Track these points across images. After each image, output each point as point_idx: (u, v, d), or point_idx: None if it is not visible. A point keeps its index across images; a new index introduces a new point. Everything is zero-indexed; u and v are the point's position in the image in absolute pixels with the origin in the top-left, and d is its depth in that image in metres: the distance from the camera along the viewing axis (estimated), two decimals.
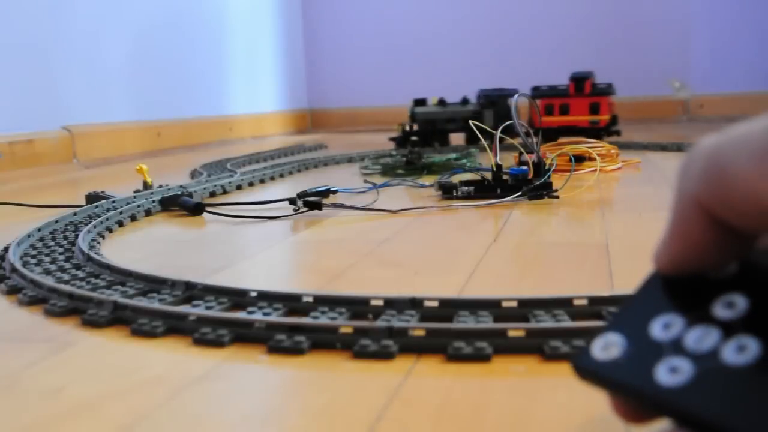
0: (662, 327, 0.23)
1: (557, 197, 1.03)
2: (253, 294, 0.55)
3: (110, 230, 0.89)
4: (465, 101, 1.96)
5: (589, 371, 0.23)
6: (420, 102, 1.97)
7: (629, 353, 0.23)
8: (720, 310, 0.22)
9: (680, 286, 0.25)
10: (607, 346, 0.24)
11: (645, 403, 0.22)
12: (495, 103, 1.90)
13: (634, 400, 0.22)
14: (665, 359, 0.22)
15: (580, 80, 1.87)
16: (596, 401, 0.37)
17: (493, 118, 1.86)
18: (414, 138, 1.89)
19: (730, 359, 0.21)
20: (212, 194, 1.20)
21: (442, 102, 1.96)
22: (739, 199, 0.22)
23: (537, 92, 1.89)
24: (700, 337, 0.22)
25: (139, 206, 1.00)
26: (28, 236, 0.80)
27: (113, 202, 1.02)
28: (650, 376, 0.22)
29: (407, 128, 1.93)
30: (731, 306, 0.22)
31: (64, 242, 0.78)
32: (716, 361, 0.21)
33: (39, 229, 0.84)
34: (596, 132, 1.82)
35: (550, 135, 1.71)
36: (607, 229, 0.82)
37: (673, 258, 0.25)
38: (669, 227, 0.25)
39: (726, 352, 0.21)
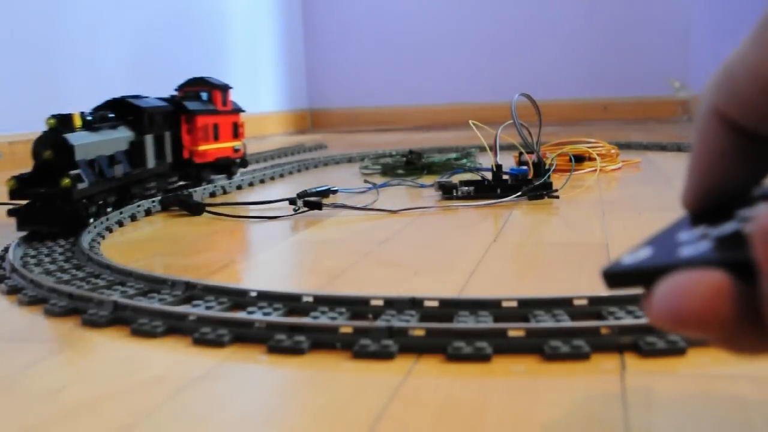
0: (687, 233, 0.25)
1: (557, 197, 1.03)
2: (253, 294, 0.55)
3: (110, 230, 0.89)
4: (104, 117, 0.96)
5: (618, 273, 0.25)
6: (63, 121, 0.87)
7: (656, 250, 0.25)
8: (743, 213, 0.24)
9: (707, 213, 0.26)
10: (636, 253, 0.25)
11: (669, 272, 0.23)
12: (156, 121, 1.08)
13: (659, 276, 0.23)
14: (688, 244, 0.24)
15: (223, 89, 1.28)
16: (596, 401, 0.37)
17: (156, 148, 1.07)
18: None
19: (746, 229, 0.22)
20: (212, 194, 1.20)
21: (94, 122, 0.93)
22: (747, 89, 0.23)
23: (182, 102, 1.19)
24: (722, 228, 0.23)
25: (139, 206, 1.00)
26: (29, 236, 0.80)
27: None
28: (674, 254, 0.23)
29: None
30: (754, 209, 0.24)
31: (64, 242, 0.79)
32: (738, 234, 0.22)
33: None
34: (226, 168, 1.31)
35: (197, 173, 1.21)
36: (607, 229, 0.82)
37: (700, 180, 0.25)
38: (693, 150, 0.26)
39: (745, 228, 0.22)
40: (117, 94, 1.06)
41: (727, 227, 0.23)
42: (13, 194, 0.82)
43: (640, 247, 0.25)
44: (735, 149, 0.25)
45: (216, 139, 1.25)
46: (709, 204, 0.26)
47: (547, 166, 1.10)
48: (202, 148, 1.20)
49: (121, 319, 0.53)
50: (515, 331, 0.45)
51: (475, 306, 0.50)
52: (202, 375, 0.43)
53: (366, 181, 1.20)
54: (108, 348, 0.49)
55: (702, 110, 0.26)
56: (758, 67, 0.23)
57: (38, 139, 0.84)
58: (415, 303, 0.51)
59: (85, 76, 1.97)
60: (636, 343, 0.44)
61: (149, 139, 1.04)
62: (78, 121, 0.88)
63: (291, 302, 0.53)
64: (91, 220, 0.85)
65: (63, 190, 0.81)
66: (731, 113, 0.24)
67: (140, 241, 0.87)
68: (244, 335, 0.48)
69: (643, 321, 0.45)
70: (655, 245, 0.25)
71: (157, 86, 2.32)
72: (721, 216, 0.24)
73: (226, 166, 1.31)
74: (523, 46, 3.15)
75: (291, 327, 0.48)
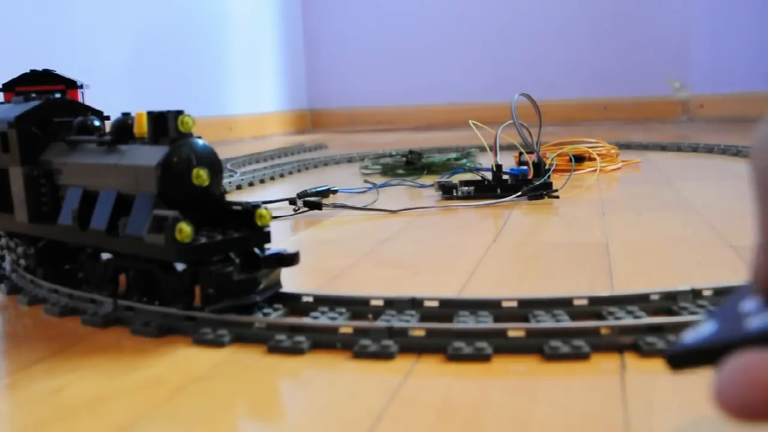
0: (752, 302, 0.24)
1: (557, 197, 1.03)
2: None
3: None
4: None
5: (683, 353, 0.24)
6: None
7: (721, 324, 0.23)
8: None
9: None
10: (698, 330, 0.24)
11: (738, 348, 0.22)
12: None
13: (727, 353, 0.22)
14: (755, 315, 0.23)
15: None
16: (596, 401, 0.37)
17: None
18: None
19: None
20: None
21: None
22: None
23: None
24: None
25: None
26: None
27: None
28: (741, 328, 0.22)
29: None
30: None
31: None
32: None
33: None
34: None
35: None
36: (607, 229, 0.82)
37: None
38: (762, 219, 0.23)
39: None
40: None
41: None
42: None
43: (702, 324, 0.24)
44: None
45: None
46: None
47: (547, 166, 1.10)
48: None
49: (121, 319, 0.53)
50: (515, 331, 0.45)
51: (475, 306, 0.50)
52: (202, 375, 0.43)
53: (366, 181, 1.20)
54: (108, 348, 0.49)
55: None
56: None
57: None
58: (415, 303, 0.51)
59: (86, 76, 1.97)
60: (636, 343, 0.44)
61: None
62: None
63: (291, 302, 0.53)
64: None
65: None
66: None
67: None
68: (243, 335, 0.48)
69: (643, 321, 0.45)
70: (719, 319, 0.24)
71: (157, 86, 2.33)
72: None
73: None
74: (523, 46, 3.15)
75: (291, 327, 0.48)
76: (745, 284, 0.25)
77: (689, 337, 0.24)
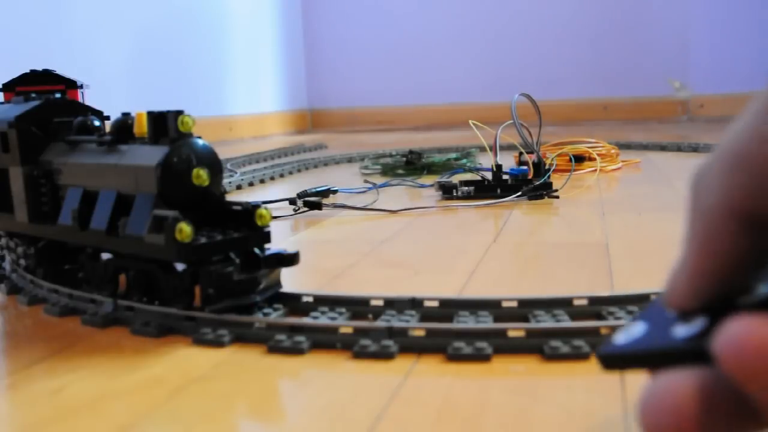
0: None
1: (557, 197, 1.03)
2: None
3: None
4: None
5: (614, 356, 0.24)
6: None
7: (649, 328, 0.24)
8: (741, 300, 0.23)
9: None
10: (629, 331, 0.24)
11: (665, 359, 0.23)
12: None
13: (656, 362, 0.23)
14: (678, 324, 0.23)
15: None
16: (596, 401, 0.37)
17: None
18: None
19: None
20: None
21: None
22: None
23: None
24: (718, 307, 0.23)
25: None
26: None
27: None
28: (667, 335, 0.23)
29: None
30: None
31: None
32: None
33: None
34: None
35: None
36: (607, 229, 0.82)
37: (706, 283, 0.23)
38: (692, 251, 0.24)
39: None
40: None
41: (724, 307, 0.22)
42: None
43: (632, 325, 0.25)
44: (747, 247, 0.23)
45: None
46: (706, 297, 0.24)
47: (547, 166, 1.10)
48: None
49: (121, 319, 0.53)
50: (515, 331, 0.45)
51: (475, 306, 0.50)
52: (202, 375, 0.43)
53: (366, 181, 1.20)
54: (108, 348, 0.49)
55: (705, 213, 0.23)
56: None
57: None
58: (415, 303, 0.51)
59: (86, 77, 1.97)
60: None
61: None
62: None
63: (291, 302, 0.53)
64: None
65: None
66: (756, 203, 0.22)
67: None
68: (243, 335, 0.48)
69: None
70: (647, 320, 0.24)
71: (157, 86, 2.33)
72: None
73: None
74: (523, 46, 3.15)
75: (291, 327, 0.48)
76: None
77: (620, 338, 0.24)
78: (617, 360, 0.24)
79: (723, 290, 0.23)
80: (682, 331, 0.23)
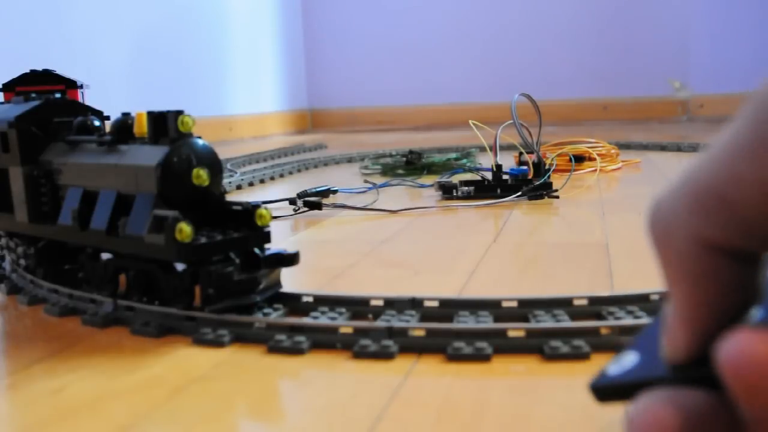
0: None
1: (557, 197, 1.03)
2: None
3: None
4: None
5: (607, 387, 0.24)
6: None
7: (641, 358, 0.24)
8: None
9: None
10: (621, 362, 0.24)
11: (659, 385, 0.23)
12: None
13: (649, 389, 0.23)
14: None
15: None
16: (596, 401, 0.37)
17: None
18: None
19: None
20: None
21: None
22: (757, 211, 0.20)
23: None
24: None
25: None
26: None
27: None
28: (660, 365, 0.23)
29: None
30: None
31: None
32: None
33: None
34: None
35: None
36: (607, 229, 0.82)
37: (700, 328, 0.22)
38: (681, 301, 0.22)
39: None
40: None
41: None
42: None
43: (624, 355, 0.24)
44: (732, 278, 0.22)
45: None
46: (708, 338, 0.23)
47: (547, 166, 1.10)
48: None
49: (121, 319, 0.53)
50: (515, 331, 0.45)
51: (475, 306, 0.50)
52: (202, 375, 0.43)
53: (366, 181, 1.20)
54: (108, 348, 0.49)
55: (688, 255, 0.22)
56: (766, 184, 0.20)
57: None
58: (415, 303, 0.51)
59: (86, 77, 1.97)
60: None
61: None
62: None
63: (291, 302, 0.53)
64: None
65: None
66: (733, 242, 0.21)
67: None
68: (243, 335, 0.48)
69: (643, 321, 0.45)
70: (640, 350, 0.24)
71: (157, 86, 2.33)
72: None
73: None
74: (523, 46, 3.15)
75: (291, 327, 0.48)
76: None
77: (612, 369, 0.24)
78: (611, 391, 0.24)
79: (720, 326, 0.22)
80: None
